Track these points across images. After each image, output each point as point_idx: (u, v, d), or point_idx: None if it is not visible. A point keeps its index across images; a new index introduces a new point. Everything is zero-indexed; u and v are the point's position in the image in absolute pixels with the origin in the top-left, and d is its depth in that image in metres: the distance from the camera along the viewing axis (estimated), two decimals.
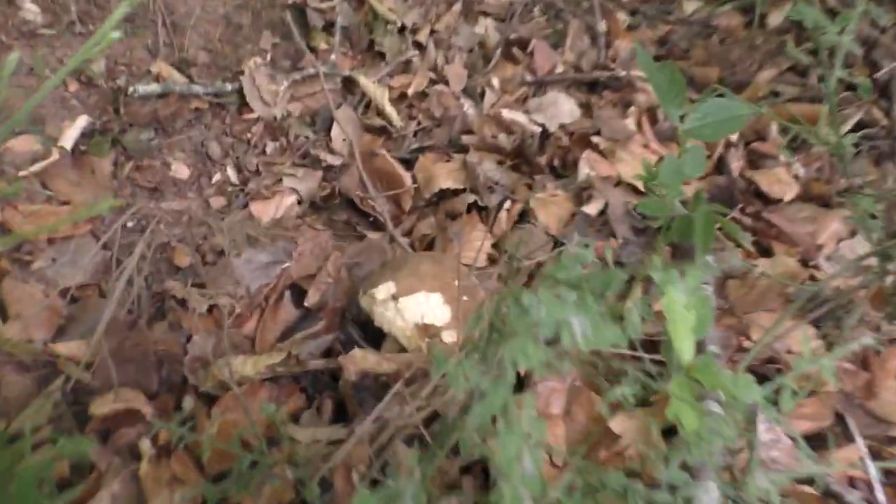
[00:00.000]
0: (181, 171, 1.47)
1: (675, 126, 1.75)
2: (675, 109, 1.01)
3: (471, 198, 1.44)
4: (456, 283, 1.23)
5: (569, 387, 1.15)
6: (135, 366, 1.13)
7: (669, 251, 1.50)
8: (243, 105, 1.61)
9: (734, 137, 1.74)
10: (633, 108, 1.78)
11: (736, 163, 1.70)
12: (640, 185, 1.52)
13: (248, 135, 1.57)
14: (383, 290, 1.21)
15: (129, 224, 1.35)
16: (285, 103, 1.63)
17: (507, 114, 1.67)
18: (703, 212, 0.98)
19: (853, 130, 1.68)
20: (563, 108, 1.73)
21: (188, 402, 1.09)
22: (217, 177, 1.50)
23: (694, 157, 1.02)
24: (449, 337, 1.17)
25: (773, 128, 1.75)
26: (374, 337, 1.24)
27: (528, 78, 1.82)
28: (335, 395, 1.17)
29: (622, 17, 2.11)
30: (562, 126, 1.69)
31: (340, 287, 1.33)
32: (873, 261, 1.06)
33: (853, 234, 1.43)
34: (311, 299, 1.32)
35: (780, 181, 1.62)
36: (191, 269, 1.31)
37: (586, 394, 1.13)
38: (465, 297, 1.23)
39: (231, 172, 1.51)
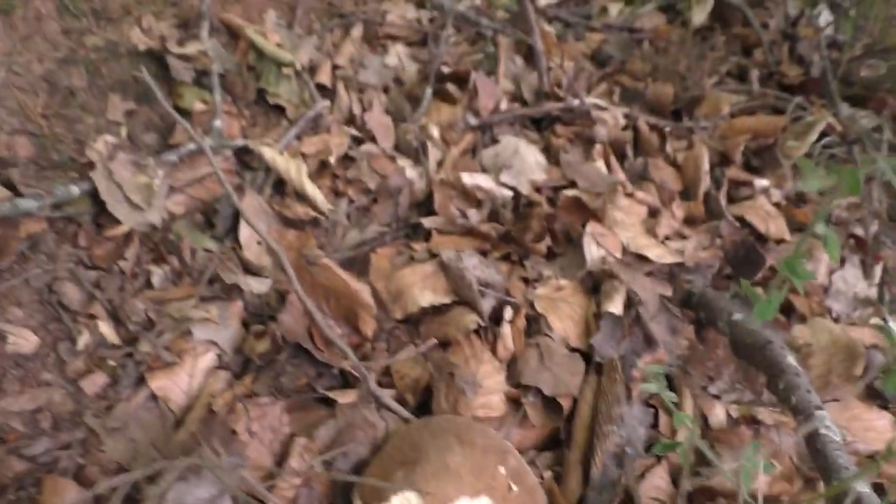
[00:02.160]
0: (24, 340, 0.94)
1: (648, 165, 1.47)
2: None
3: (471, 321, 1.04)
4: (501, 469, 0.85)
5: None
6: None
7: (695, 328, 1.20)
8: (101, 213, 1.08)
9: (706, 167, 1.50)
10: (597, 147, 1.46)
11: (723, 201, 1.46)
12: (651, 254, 1.20)
13: (120, 262, 1.05)
14: None
15: None
16: (163, 200, 1.13)
17: (468, 179, 1.28)
18: None
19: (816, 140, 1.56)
20: (527, 160, 1.37)
21: None
22: (84, 338, 0.97)
23: None
24: None
25: (739, 150, 1.54)
26: None
27: (473, 121, 1.44)
28: None
29: (547, 28, 1.79)
30: (534, 185, 1.33)
31: (316, 494, 0.89)
32: None
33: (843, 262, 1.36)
34: None
35: (769, 215, 1.44)
36: None
37: None
38: (514, 488, 0.85)
39: (105, 328, 0.99)
